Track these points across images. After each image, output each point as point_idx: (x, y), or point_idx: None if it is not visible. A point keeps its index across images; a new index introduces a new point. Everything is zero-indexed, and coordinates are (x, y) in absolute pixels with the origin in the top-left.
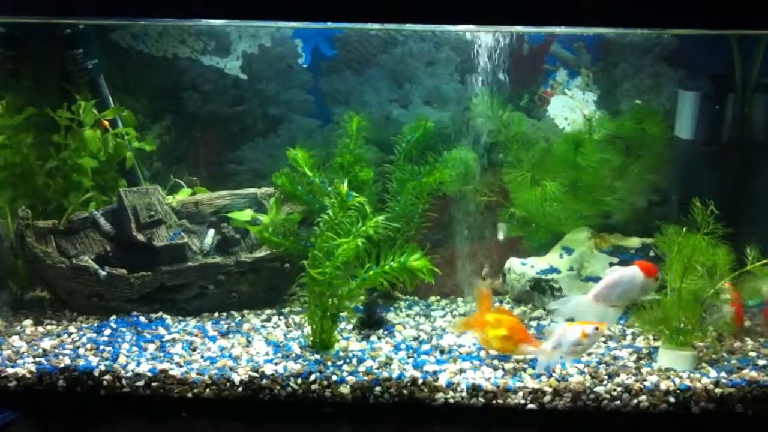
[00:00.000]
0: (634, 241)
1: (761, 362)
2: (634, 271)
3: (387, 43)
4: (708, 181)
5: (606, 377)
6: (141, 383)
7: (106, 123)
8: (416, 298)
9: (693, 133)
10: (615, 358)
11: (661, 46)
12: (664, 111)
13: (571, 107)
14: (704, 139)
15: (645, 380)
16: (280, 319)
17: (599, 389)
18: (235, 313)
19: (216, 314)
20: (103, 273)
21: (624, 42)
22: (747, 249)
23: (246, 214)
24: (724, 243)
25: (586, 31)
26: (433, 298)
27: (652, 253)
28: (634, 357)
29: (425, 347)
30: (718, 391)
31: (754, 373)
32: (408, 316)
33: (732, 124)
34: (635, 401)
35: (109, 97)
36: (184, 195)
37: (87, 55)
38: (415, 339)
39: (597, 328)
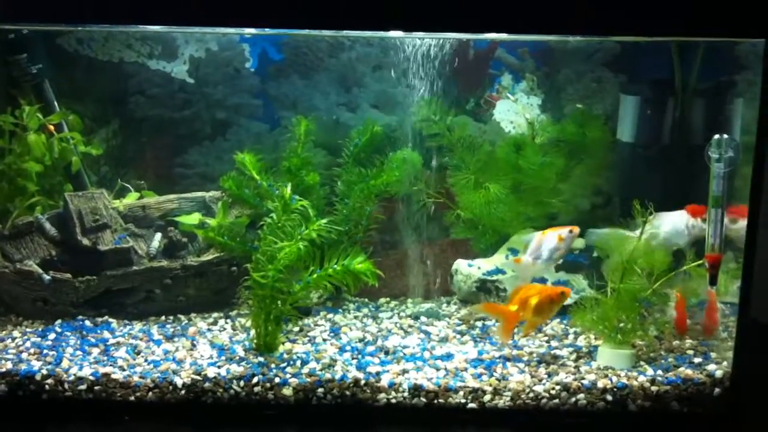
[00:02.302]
0: (579, 242)
1: (697, 360)
2: (680, 214)
3: (334, 47)
4: (649, 183)
5: (545, 376)
6: (83, 387)
7: (52, 127)
8: (366, 299)
9: (634, 137)
10: (555, 357)
11: (603, 51)
12: (606, 115)
13: (516, 111)
14: (645, 143)
15: (583, 379)
16: (227, 323)
17: (538, 388)
18: (182, 317)
19: (163, 318)
20: (47, 277)
21: (567, 47)
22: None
23: (194, 218)
24: None
25: (530, 38)
26: (383, 300)
27: (595, 254)
28: (574, 356)
29: (370, 348)
30: (654, 388)
31: (689, 371)
32: (356, 317)
33: (672, 128)
34: (573, 399)
35: (55, 102)
36: (131, 199)
37: (31, 60)
38: (361, 340)
39: (571, 231)
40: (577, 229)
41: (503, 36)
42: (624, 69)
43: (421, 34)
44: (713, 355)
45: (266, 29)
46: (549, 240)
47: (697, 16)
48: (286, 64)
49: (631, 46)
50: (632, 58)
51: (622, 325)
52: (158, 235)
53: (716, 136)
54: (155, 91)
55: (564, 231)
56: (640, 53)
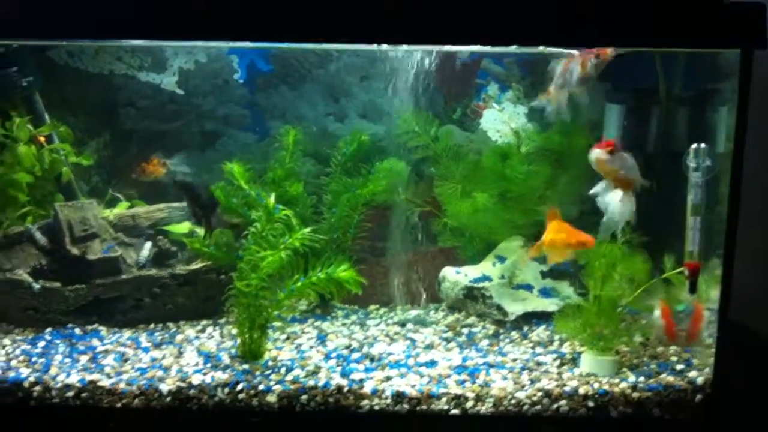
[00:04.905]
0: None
1: (679, 367)
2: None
3: (322, 58)
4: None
5: (528, 382)
6: (70, 394)
7: (42, 139)
8: (356, 307)
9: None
10: (539, 363)
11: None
12: (591, 123)
13: (502, 120)
14: (629, 151)
15: (565, 385)
16: (215, 330)
17: (520, 394)
18: (171, 325)
19: (152, 326)
20: (37, 286)
21: (553, 57)
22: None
23: (183, 227)
24: (642, 252)
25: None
26: (372, 307)
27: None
28: (557, 362)
29: (355, 355)
30: (635, 395)
31: (671, 378)
32: (344, 325)
33: (656, 136)
34: (555, 406)
35: (45, 114)
36: (121, 208)
37: (22, 73)
38: (347, 347)
39: (598, 56)
40: (607, 52)
41: (488, 48)
42: (609, 78)
43: (406, 46)
44: (695, 361)
45: (254, 43)
46: (573, 67)
47: (676, 27)
48: (274, 75)
49: (615, 55)
50: (617, 67)
51: (605, 331)
52: (148, 244)
53: (694, 146)
54: (145, 103)
55: (590, 62)
56: (624, 62)
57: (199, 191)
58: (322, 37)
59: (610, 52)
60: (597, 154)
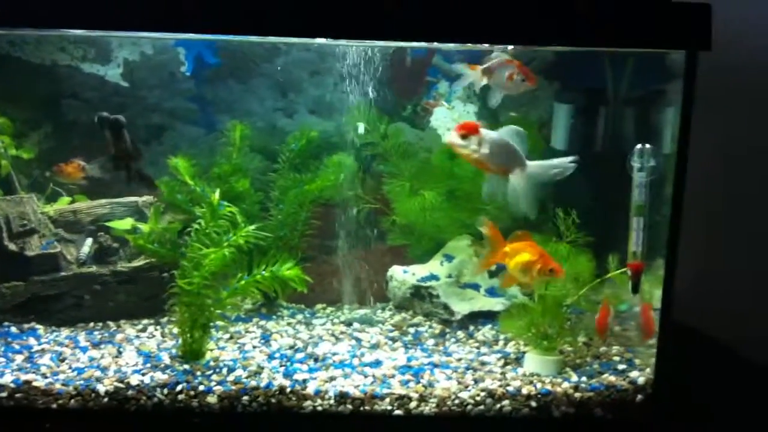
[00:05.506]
0: None
1: (621, 366)
2: None
3: (270, 52)
4: (581, 190)
5: (472, 382)
6: (4, 394)
7: None
8: (302, 306)
9: (567, 144)
10: (483, 363)
11: (538, 60)
12: (540, 122)
13: (453, 118)
14: (577, 150)
15: (509, 385)
16: (156, 329)
17: (464, 394)
18: (112, 323)
19: (92, 324)
20: None
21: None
22: (609, 257)
23: (126, 223)
24: (587, 251)
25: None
26: (319, 306)
27: None
28: (501, 362)
29: (299, 355)
30: (577, 395)
31: (612, 378)
32: (289, 324)
33: (604, 136)
34: (498, 406)
35: None
36: (63, 203)
37: None
38: (291, 347)
39: (524, 80)
40: (533, 82)
41: (439, 44)
42: (558, 77)
43: (356, 42)
44: (637, 361)
45: (199, 35)
46: (506, 69)
47: (621, 27)
48: (222, 68)
49: (565, 54)
50: (566, 66)
51: (549, 331)
52: (89, 241)
53: (638, 146)
54: (88, 95)
55: (518, 77)
56: (574, 62)
57: (124, 133)
58: (268, 31)
59: (531, 85)
60: (448, 136)
